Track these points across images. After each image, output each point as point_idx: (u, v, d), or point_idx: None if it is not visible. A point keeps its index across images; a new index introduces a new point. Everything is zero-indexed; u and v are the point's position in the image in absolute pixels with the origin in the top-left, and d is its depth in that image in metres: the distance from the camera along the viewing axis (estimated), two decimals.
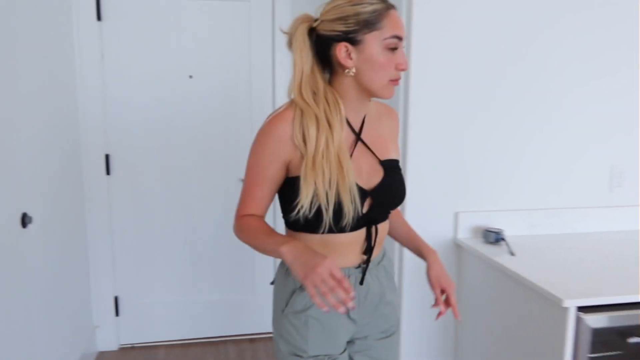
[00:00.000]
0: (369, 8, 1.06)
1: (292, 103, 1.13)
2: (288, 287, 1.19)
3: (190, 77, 2.63)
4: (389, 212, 1.22)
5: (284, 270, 1.22)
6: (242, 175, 2.68)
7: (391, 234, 1.34)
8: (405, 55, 1.11)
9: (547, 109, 1.93)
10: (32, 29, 1.92)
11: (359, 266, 1.19)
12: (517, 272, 1.54)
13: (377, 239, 1.19)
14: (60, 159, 2.25)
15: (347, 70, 1.09)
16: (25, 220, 1.75)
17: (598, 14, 1.91)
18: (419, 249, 1.29)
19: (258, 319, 2.90)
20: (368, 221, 1.16)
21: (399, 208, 1.29)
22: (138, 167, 2.64)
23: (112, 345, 2.74)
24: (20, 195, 1.78)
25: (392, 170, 1.19)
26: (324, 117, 1.09)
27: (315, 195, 1.07)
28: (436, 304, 1.21)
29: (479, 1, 1.81)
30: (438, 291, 1.21)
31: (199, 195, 2.72)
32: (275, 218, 2.62)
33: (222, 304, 2.85)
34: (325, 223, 1.10)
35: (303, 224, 1.12)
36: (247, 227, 1.15)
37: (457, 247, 1.92)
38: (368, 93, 1.13)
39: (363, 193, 1.11)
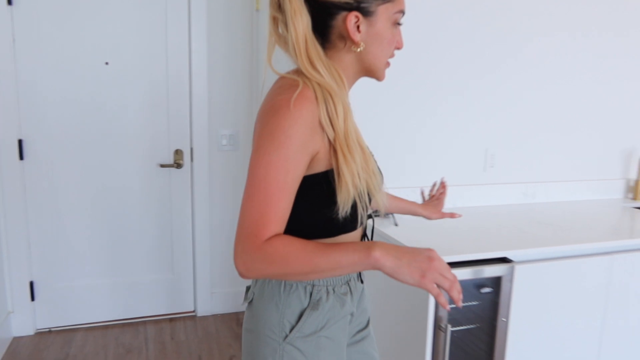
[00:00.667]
0: None
1: (302, 77, 0.91)
2: (293, 309, 0.97)
3: (107, 63, 2.68)
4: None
5: (280, 289, 0.98)
6: (160, 160, 2.79)
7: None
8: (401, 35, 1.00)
9: (434, 104, 2.18)
10: None
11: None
12: (394, 238, 1.77)
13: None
14: None
15: (354, 46, 0.94)
16: None
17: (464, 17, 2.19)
18: (407, 208, 1.40)
19: (177, 298, 3.00)
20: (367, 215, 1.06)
21: None
22: (53, 152, 2.66)
23: (27, 330, 2.75)
24: None
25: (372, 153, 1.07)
26: (341, 94, 0.91)
27: (352, 186, 0.90)
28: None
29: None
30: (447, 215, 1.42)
31: (116, 179, 2.78)
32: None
33: (140, 285, 2.92)
34: (361, 216, 0.96)
35: (339, 225, 0.95)
36: (286, 252, 0.85)
37: None
38: (366, 72, 1.00)
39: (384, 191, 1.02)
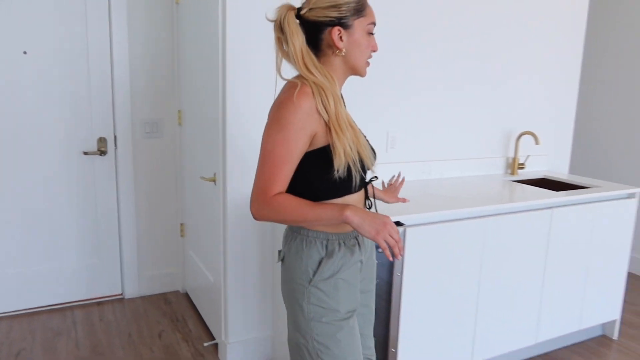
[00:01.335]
0: None
1: (301, 79, 1.22)
2: (314, 259, 1.27)
3: (25, 52, 2.70)
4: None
5: (303, 245, 1.29)
6: (83, 148, 2.86)
7: None
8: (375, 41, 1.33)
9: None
10: None
11: None
12: None
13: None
14: None
15: (338, 51, 1.25)
16: None
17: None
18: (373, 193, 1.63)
19: (104, 282, 3.09)
20: (364, 182, 1.35)
21: None
22: None
23: None
24: None
25: (365, 137, 1.36)
26: (332, 89, 1.22)
27: (345, 154, 1.19)
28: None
29: None
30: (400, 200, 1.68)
31: (39, 167, 2.81)
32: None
33: (66, 271, 2.98)
34: (356, 178, 1.24)
35: (338, 186, 1.24)
36: (286, 204, 1.19)
37: None
38: (352, 71, 1.31)
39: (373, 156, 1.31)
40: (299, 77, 1.24)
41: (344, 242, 1.32)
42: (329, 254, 1.29)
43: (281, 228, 2.22)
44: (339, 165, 1.20)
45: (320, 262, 1.28)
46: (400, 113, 2.62)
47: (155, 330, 2.76)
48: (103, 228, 3.02)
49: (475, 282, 2.21)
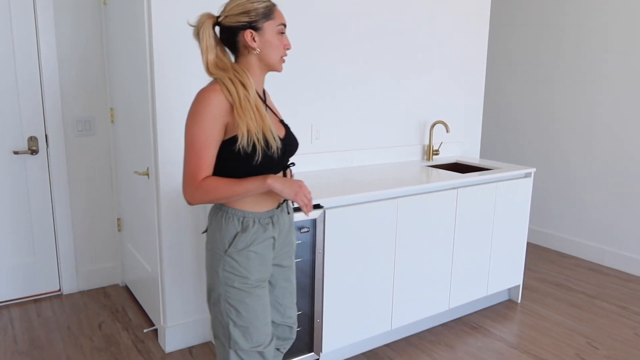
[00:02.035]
0: (263, 4, 1.45)
1: (214, 80, 1.44)
2: (230, 232, 1.47)
3: None
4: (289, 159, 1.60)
5: (222, 220, 1.48)
6: (13, 147, 2.88)
7: None
8: (288, 40, 1.54)
9: (266, 89, 2.63)
10: None
11: (278, 206, 1.56)
12: None
13: None
14: None
15: (253, 50, 1.44)
16: None
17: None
18: None
19: (41, 279, 3.12)
20: (283, 166, 1.53)
21: None
22: None
23: None
24: None
25: (288, 127, 1.60)
26: (236, 79, 1.41)
27: (248, 131, 1.38)
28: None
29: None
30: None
31: None
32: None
33: (1, 269, 2.99)
34: (259, 154, 1.40)
35: (255, 170, 1.43)
36: (214, 185, 1.39)
37: None
38: (267, 68, 1.50)
39: (278, 138, 1.47)
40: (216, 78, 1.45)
41: (258, 220, 1.51)
42: (244, 229, 1.49)
43: None
44: (242, 138, 1.38)
45: (235, 236, 1.48)
46: (324, 106, 2.84)
47: (95, 321, 2.84)
48: (38, 226, 3.05)
49: (391, 256, 2.47)
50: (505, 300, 3.23)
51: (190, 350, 2.56)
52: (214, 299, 1.53)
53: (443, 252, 2.68)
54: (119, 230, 3.27)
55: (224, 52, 1.48)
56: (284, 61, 1.54)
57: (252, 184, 1.41)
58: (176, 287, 2.51)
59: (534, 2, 4.15)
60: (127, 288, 3.29)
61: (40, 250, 3.09)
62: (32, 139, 2.96)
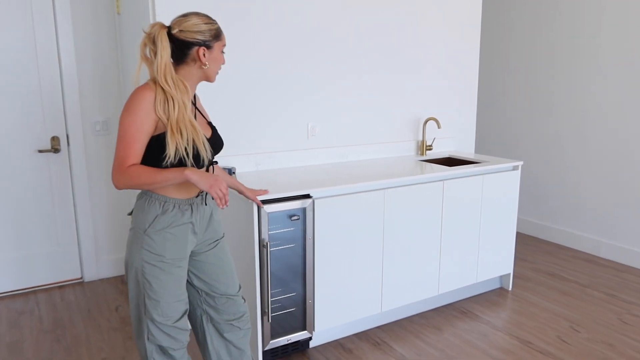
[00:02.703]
0: (215, 26, 1.66)
1: (151, 81, 1.58)
2: (151, 214, 1.64)
3: None
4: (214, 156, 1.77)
5: (145, 203, 1.65)
6: (38, 146, 3.16)
7: None
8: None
9: (265, 89, 2.85)
10: None
11: (198, 195, 1.73)
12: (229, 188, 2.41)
13: None
14: None
15: (203, 65, 1.65)
16: None
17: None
18: (236, 185, 2.09)
19: (64, 268, 3.41)
20: (208, 163, 1.71)
21: None
22: None
23: None
24: None
25: (214, 128, 1.79)
26: (179, 98, 1.58)
27: (177, 150, 1.56)
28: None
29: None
30: (256, 199, 2.15)
31: None
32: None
33: (27, 258, 3.28)
34: (188, 165, 1.58)
35: (178, 165, 1.61)
36: (138, 172, 1.55)
37: None
38: (205, 79, 1.70)
39: (210, 149, 1.66)
40: (153, 80, 1.60)
41: (178, 206, 1.68)
42: (163, 212, 1.66)
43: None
44: (169, 156, 1.57)
45: (155, 218, 1.65)
46: (319, 104, 3.05)
47: (112, 305, 3.11)
48: (61, 219, 3.34)
49: (379, 243, 2.65)
50: (497, 288, 3.38)
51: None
52: (132, 273, 1.69)
53: (431, 240, 2.85)
54: None
55: (171, 62, 1.64)
56: (218, 73, 1.79)
57: (171, 174, 1.57)
58: None
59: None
60: None
61: (63, 241, 3.37)
62: (55, 139, 3.25)
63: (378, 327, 2.84)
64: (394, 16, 3.22)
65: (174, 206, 1.68)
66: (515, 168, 3.18)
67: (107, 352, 2.58)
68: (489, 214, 3.08)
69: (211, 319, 1.89)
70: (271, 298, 2.37)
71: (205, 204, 1.78)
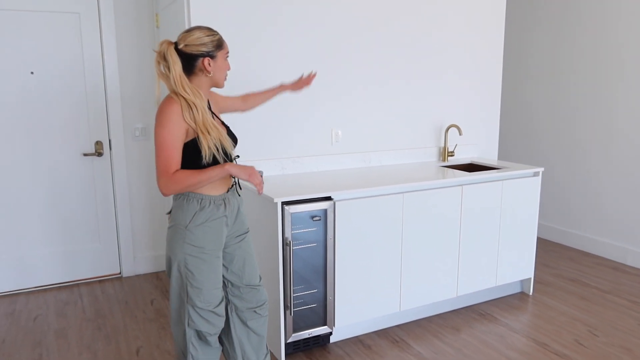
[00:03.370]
0: (217, 37, 1.84)
1: (172, 94, 1.76)
2: (190, 211, 1.83)
3: (32, 72, 3.27)
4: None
5: (184, 201, 1.84)
6: (83, 150, 3.42)
7: (258, 103, 2.33)
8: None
9: (294, 97, 3.02)
10: None
11: (228, 190, 1.93)
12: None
13: None
14: None
15: (208, 74, 1.83)
16: None
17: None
18: (273, 92, 2.30)
19: (104, 263, 3.66)
20: (231, 160, 1.91)
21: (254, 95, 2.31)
22: None
23: None
24: None
25: (228, 127, 1.98)
26: (199, 103, 1.77)
27: (210, 148, 1.77)
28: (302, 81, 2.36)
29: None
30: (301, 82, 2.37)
31: (48, 167, 3.38)
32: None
33: (71, 254, 3.55)
34: (221, 160, 1.81)
35: (212, 165, 1.81)
36: (184, 176, 1.74)
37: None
38: (214, 85, 1.90)
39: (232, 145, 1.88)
40: (174, 92, 1.79)
41: (213, 202, 1.88)
42: (201, 208, 1.85)
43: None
44: (206, 155, 1.77)
45: (195, 214, 1.84)
46: (343, 111, 3.19)
47: (148, 299, 3.33)
48: (102, 218, 3.60)
49: (398, 245, 2.77)
50: (518, 293, 3.43)
51: None
52: (175, 267, 1.87)
53: (450, 243, 2.95)
54: (169, 222, 3.75)
55: (183, 73, 1.82)
56: (226, 79, 1.95)
57: (214, 171, 1.77)
58: None
59: (551, 0, 4.31)
60: None
61: (104, 239, 3.63)
62: (98, 143, 3.51)
63: (397, 326, 2.95)
64: (416, 23, 3.34)
65: (210, 202, 1.88)
66: (535, 174, 3.24)
67: (142, 340, 2.79)
68: (509, 219, 3.15)
69: (236, 308, 2.06)
70: (294, 294, 2.52)
71: (239, 194, 2.02)
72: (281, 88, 2.40)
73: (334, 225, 2.57)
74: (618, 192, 3.98)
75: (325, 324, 2.65)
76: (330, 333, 2.71)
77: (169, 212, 1.95)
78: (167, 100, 1.78)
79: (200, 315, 1.92)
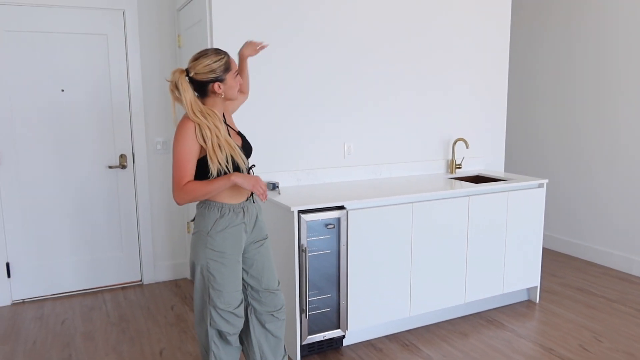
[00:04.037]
0: (223, 60, 1.97)
1: (188, 116, 1.93)
2: (211, 218, 1.99)
3: (62, 90, 3.49)
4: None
5: (205, 210, 2.00)
6: (108, 163, 3.62)
7: (246, 84, 2.35)
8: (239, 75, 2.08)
9: (307, 111, 3.19)
10: None
11: (247, 199, 2.08)
12: (274, 199, 2.74)
13: None
14: None
15: (220, 95, 1.99)
16: None
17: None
18: (243, 65, 2.32)
19: (126, 271, 3.83)
20: (247, 170, 2.04)
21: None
22: (22, 159, 3.43)
23: (5, 302, 3.48)
24: None
25: (243, 135, 2.14)
26: (212, 124, 1.93)
27: (218, 168, 1.92)
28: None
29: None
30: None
31: (74, 178, 3.58)
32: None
33: (95, 262, 3.73)
34: (230, 171, 1.94)
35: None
36: (194, 187, 1.91)
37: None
38: (228, 100, 2.06)
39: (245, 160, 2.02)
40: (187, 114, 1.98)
41: (232, 209, 2.03)
42: (221, 216, 2.01)
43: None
44: (212, 175, 1.94)
45: (215, 221, 2.00)
46: (355, 126, 3.36)
47: (169, 304, 3.48)
48: (125, 227, 3.77)
49: (407, 252, 2.91)
50: (525, 300, 3.53)
51: None
52: (198, 270, 2.03)
53: (457, 251, 3.08)
54: (188, 232, 3.93)
55: (195, 95, 2.00)
56: (239, 94, 2.13)
57: (221, 182, 1.92)
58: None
59: (555, 16, 4.47)
60: (193, 281, 3.93)
61: (126, 248, 3.80)
62: (122, 156, 3.70)
63: (407, 331, 3.07)
64: (425, 43, 3.52)
65: (229, 210, 2.04)
66: (540, 186, 3.36)
67: (165, 342, 2.93)
68: (515, 229, 3.27)
69: (255, 311, 2.21)
70: (309, 298, 2.66)
71: (253, 202, 2.15)
72: (242, 59, 2.37)
73: (347, 233, 2.71)
74: (623, 203, 4.08)
75: (338, 328, 2.78)
76: (343, 336, 2.84)
77: (193, 220, 2.11)
78: (183, 120, 1.95)
79: (221, 316, 2.07)
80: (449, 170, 3.73)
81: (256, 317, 2.22)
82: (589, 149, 4.32)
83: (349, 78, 3.30)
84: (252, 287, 2.19)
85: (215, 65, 1.96)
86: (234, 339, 2.16)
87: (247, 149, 2.14)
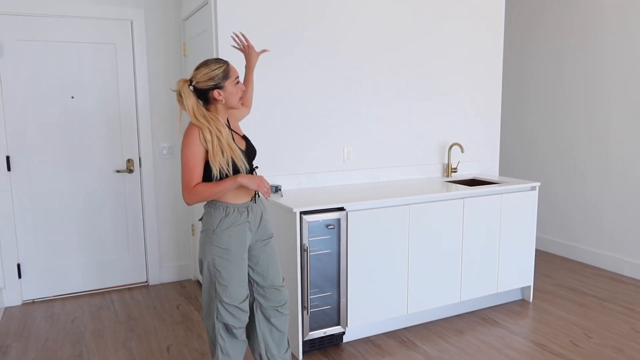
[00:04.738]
0: (222, 68, 2.08)
1: (193, 123, 2.06)
2: (217, 217, 2.11)
3: (72, 97, 3.62)
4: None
5: (212, 209, 2.13)
6: (116, 167, 3.75)
7: (250, 96, 2.48)
8: (241, 83, 2.18)
9: (307, 116, 3.32)
10: None
11: (252, 199, 2.19)
12: (277, 201, 2.87)
13: None
14: None
15: (221, 101, 2.10)
16: None
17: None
18: (248, 76, 2.46)
19: (133, 272, 3.95)
20: (251, 171, 2.17)
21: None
22: (33, 165, 3.56)
23: (16, 302, 3.60)
24: None
25: (247, 139, 2.25)
26: (213, 127, 2.05)
27: (220, 169, 2.04)
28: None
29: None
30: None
31: (83, 182, 3.71)
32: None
33: (103, 263, 3.84)
34: (231, 174, 2.06)
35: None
36: (202, 188, 2.04)
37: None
38: (230, 107, 2.16)
39: (242, 152, 2.12)
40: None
41: (237, 209, 2.15)
42: (226, 215, 2.13)
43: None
44: (215, 176, 2.07)
45: (221, 220, 2.13)
46: (354, 131, 3.49)
47: (174, 304, 3.60)
48: (132, 230, 3.90)
49: (404, 252, 3.03)
50: (519, 300, 3.65)
51: None
52: (205, 266, 2.16)
53: (453, 252, 3.20)
54: (192, 234, 4.05)
55: (199, 103, 2.13)
56: (241, 100, 2.23)
57: (228, 183, 2.06)
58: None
59: (547, 24, 4.61)
60: (198, 282, 4.05)
61: (133, 249, 3.92)
62: (129, 161, 3.83)
63: (405, 328, 3.19)
64: (422, 51, 3.66)
65: (234, 210, 2.16)
66: (533, 188, 3.49)
67: (172, 339, 3.05)
68: (508, 231, 3.40)
69: (260, 306, 2.33)
70: (310, 296, 2.78)
71: (256, 202, 2.27)
72: (249, 70, 2.51)
73: (346, 234, 2.84)
74: (614, 206, 4.21)
75: (339, 324, 2.90)
76: (343, 333, 2.96)
77: (201, 219, 2.24)
78: (189, 127, 2.08)
79: (227, 310, 2.19)
80: (445, 174, 3.86)
81: (261, 312, 2.34)
82: (581, 153, 4.46)
83: (348, 85, 3.43)
84: (257, 284, 2.31)
85: (214, 74, 2.08)
86: (240, 332, 2.28)
87: (251, 152, 2.26)
